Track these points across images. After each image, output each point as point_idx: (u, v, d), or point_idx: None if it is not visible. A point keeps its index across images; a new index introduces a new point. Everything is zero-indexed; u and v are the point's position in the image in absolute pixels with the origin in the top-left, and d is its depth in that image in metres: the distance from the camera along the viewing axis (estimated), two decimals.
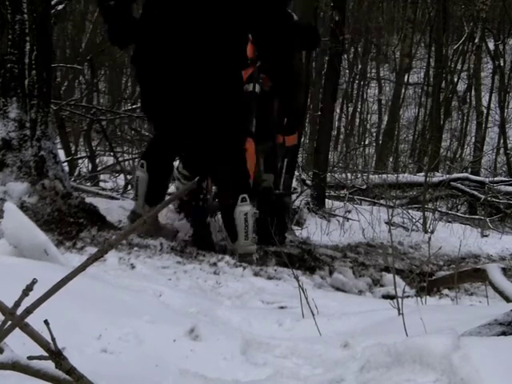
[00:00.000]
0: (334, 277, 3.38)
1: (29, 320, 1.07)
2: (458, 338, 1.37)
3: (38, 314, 1.07)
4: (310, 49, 5.15)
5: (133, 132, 9.61)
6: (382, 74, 19.80)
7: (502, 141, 15.60)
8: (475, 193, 8.27)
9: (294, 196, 5.74)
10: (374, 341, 1.62)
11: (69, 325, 1.59)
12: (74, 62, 11.30)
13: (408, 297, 2.92)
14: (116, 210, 3.96)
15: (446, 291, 3.42)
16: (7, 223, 2.28)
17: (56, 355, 1.07)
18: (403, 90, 16.35)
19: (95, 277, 2.18)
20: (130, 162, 7.94)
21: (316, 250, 4.10)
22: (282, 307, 2.45)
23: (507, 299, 2.84)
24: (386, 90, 19.44)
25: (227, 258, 3.12)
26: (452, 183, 8.29)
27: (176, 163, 3.76)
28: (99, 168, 7.55)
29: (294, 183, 6.06)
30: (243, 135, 3.53)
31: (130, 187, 6.61)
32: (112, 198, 5.24)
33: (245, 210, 3.37)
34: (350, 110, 18.79)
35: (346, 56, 16.94)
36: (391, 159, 14.80)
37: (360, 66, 19.39)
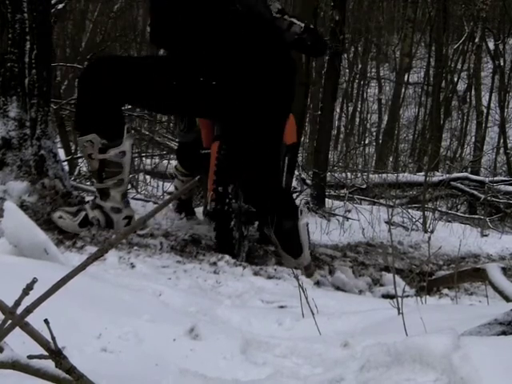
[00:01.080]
0: (336, 276, 3.38)
1: (29, 319, 1.07)
2: (457, 337, 1.37)
3: (38, 313, 1.07)
4: (315, 55, 4.91)
5: (132, 131, 9.60)
6: (382, 74, 19.81)
7: (501, 140, 15.62)
8: (475, 192, 8.27)
9: (294, 196, 5.72)
10: (373, 340, 1.62)
11: (69, 324, 1.59)
12: (74, 61, 11.30)
13: (408, 296, 2.91)
14: None
15: (445, 291, 3.42)
16: (7, 222, 2.28)
17: (56, 354, 1.07)
18: (403, 90, 16.37)
19: (95, 276, 2.18)
20: None
21: (316, 249, 4.09)
22: (281, 306, 2.44)
23: (507, 299, 2.84)
24: (386, 90, 19.45)
25: (227, 257, 3.12)
26: (452, 183, 8.28)
27: (174, 162, 3.63)
28: None
29: (294, 183, 6.05)
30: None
31: (129, 186, 6.59)
32: None
33: (305, 221, 3.25)
34: (350, 109, 18.79)
35: (346, 55, 16.95)
36: (391, 159, 14.80)
37: (360, 66, 19.40)
